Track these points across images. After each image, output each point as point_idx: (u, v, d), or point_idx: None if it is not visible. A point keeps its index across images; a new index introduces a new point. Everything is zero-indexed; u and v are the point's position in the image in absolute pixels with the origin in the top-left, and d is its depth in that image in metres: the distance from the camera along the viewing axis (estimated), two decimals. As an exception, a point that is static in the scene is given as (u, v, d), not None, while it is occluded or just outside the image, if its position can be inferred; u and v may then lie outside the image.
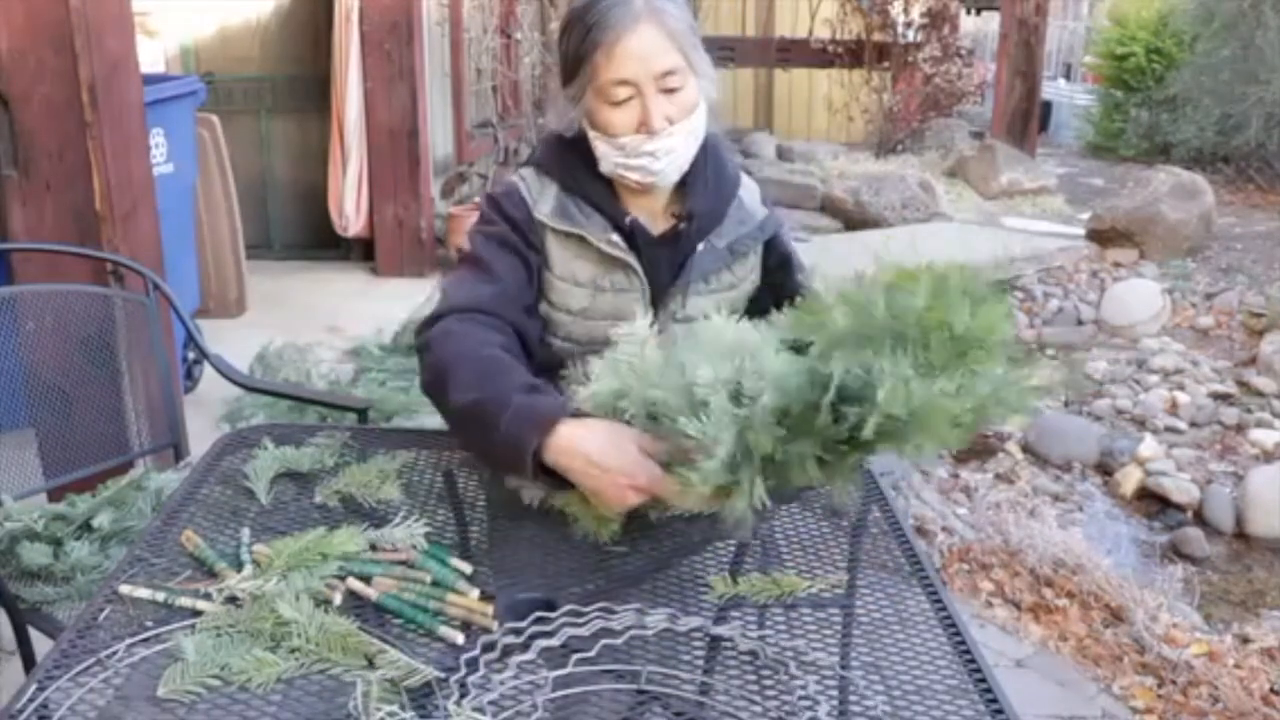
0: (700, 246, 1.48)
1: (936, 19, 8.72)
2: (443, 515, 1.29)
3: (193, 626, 1.02)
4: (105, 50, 2.38)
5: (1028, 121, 8.47)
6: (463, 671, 0.95)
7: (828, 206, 7.17)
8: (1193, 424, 4.14)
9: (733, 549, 1.24)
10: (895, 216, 6.73)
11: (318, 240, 5.52)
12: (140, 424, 2.05)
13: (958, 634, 1.09)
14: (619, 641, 1.01)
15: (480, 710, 0.90)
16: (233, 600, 1.06)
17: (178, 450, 2.07)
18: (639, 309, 1.48)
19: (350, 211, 5.25)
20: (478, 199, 5.49)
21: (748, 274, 1.54)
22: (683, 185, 1.46)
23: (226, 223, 4.42)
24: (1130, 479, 3.73)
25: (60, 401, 1.95)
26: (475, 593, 1.09)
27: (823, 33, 9.07)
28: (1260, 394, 4.35)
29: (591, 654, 0.98)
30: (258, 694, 0.94)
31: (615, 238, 1.45)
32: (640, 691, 0.97)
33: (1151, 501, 3.66)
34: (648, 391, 1.10)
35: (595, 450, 1.12)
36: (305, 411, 3.06)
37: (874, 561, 1.23)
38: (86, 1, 2.30)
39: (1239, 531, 3.49)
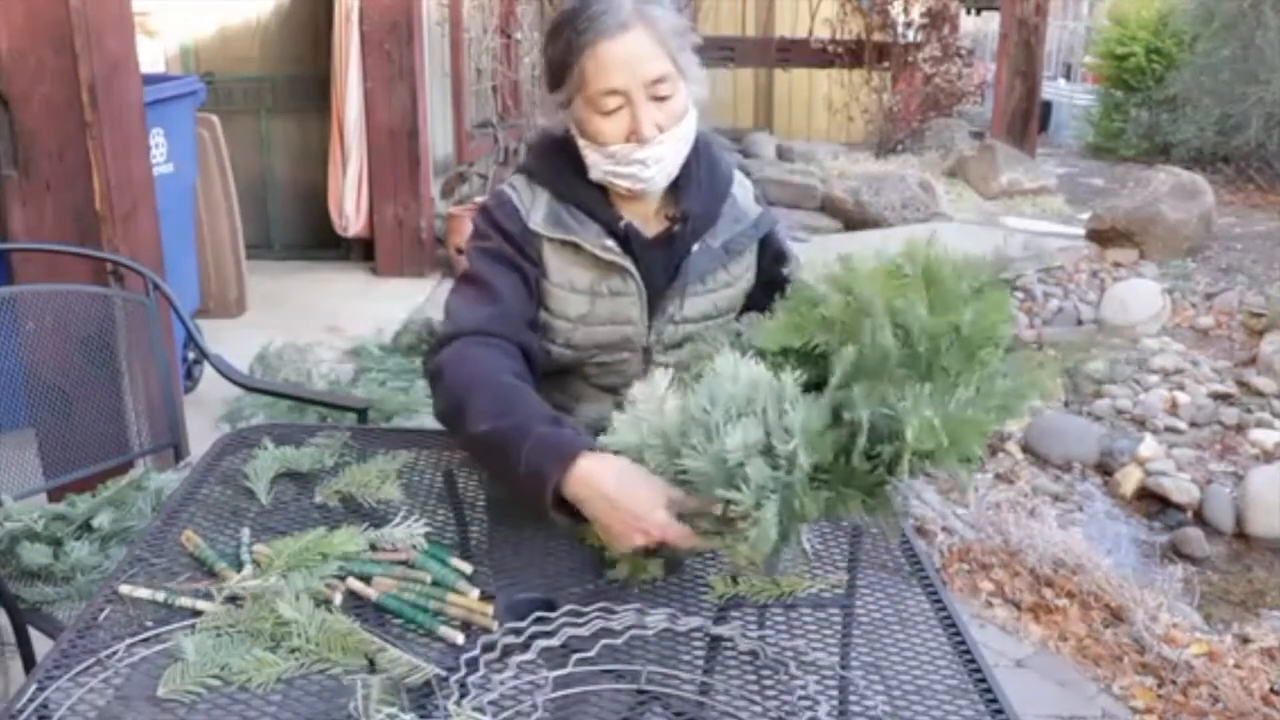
0: (696, 247, 1.48)
1: (936, 19, 8.72)
2: (443, 515, 1.29)
3: (193, 626, 1.02)
4: (105, 50, 2.38)
5: (1028, 121, 8.47)
6: (463, 671, 0.95)
7: (828, 206, 7.17)
8: (1193, 424, 4.14)
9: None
10: (895, 216, 6.73)
11: (318, 240, 5.52)
12: (140, 424, 2.05)
13: (958, 634, 1.09)
14: (619, 641, 1.01)
15: (480, 710, 0.90)
16: (233, 600, 1.06)
17: (178, 450, 2.07)
18: (636, 312, 1.48)
19: (350, 211, 5.25)
20: (478, 199, 5.50)
21: (744, 272, 1.54)
22: (675, 186, 1.45)
23: (226, 223, 4.42)
24: (1130, 479, 3.73)
25: (60, 401, 1.95)
26: (475, 593, 1.09)
27: (823, 33, 9.06)
28: (1260, 394, 4.34)
29: (591, 654, 0.98)
30: (258, 694, 0.94)
31: (610, 243, 1.44)
32: (640, 691, 0.97)
33: (1151, 501, 3.66)
34: (677, 460, 1.08)
35: (612, 487, 1.11)
36: (305, 411, 3.06)
37: (874, 561, 1.23)
38: (86, 1, 2.30)
39: (1239, 531, 3.49)
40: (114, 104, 2.43)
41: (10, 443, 1.85)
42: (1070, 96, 11.73)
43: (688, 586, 1.15)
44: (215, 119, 4.25)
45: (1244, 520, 3.50)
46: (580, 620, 1.02)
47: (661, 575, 1.16)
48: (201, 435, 2.07)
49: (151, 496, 1.80)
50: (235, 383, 2.13)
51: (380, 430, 1.78)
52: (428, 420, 1.63)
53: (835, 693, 0.99)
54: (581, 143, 1.41)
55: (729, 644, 1.05)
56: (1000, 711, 0.97)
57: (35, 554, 1.65)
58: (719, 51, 9.15)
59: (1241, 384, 4.46)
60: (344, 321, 4.57)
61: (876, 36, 8.90)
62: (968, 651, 1.06)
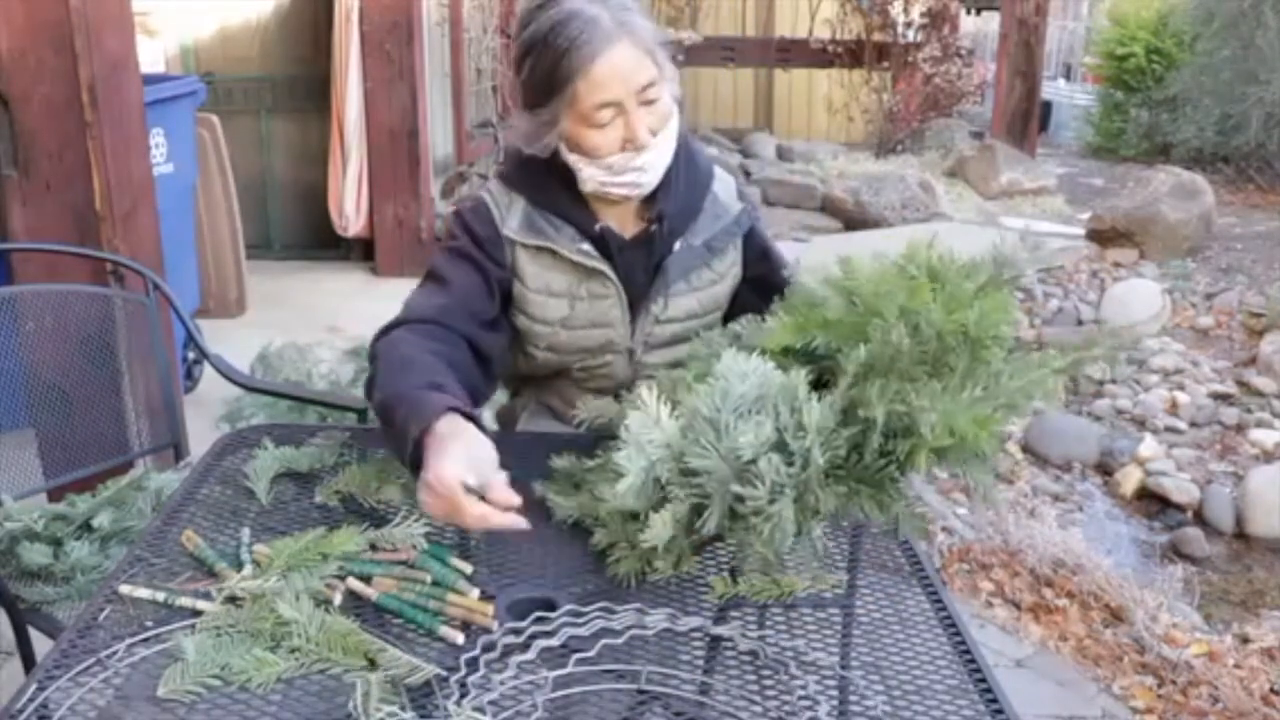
0: (677, 246, 1.48)
1: (936, 19, 8.72)
2: (443, 515, 1.29)
3: (193, 626, 1.02)
4: (105, 50, 2.38)
5: (1028, 121, 8.46)
6: (463, 671, 0.95)
7: (828, 206, 7.17)
8: (1193, 424, 4.14)
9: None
10: (895, 216, 6.73)
11: (318, 240, 5.52)
12: (140, 424, 2.05)
13: (958, 634, 1.09)
14: (619, 641, 1.01)
15: (480, 710, 0.90)
16: (233, 600, 1.06)
17: (178, 450, 2.07)
18: (618, 314, 1.48)
19: (350, 211, 5.25)
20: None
21: (729, 269, 1.53)
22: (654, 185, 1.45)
23: (226, 223, 4.42)
24: (1130, 479, 3.73)
25: (60, 401, 1.95)
26: (475, 593, 1.09)
27: (823, 33, 9.06)
28: (1260, 394, 4.34)
29: (591, 654, 0.98)
30: (258, 694, 0.94)
31: (586, 246, 1.44)
32: (640, 691, 0.97)
33: (1151, 501, 3.66)
34: (683, 460, 1.09)
35: (437, 451, 1.12)
36: (305, 411, 3.06)
37: (874, 561, 1.23)
38: (86, 1, 2.30)
39: (1239, 531, 3.48)
40: (114, 104, 2.43)
41: (10, 443, 1.85)
42: (1070, 96, 11.72)
43: (688, 586, 1.15)
44: (215, 119, 4.25)
45: (1244, 520, 3.50)
46: (580, 620, 1.02)
47: (669, 573, 1.16)
48: (201, 435, 2.07)
49: (151, 496, 1.80)
50: (235, 383, 2.13)
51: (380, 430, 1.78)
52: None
53: (835, 693, 0.98)
54: (573, 158, 1.40)
55: (729, 644, 1.05)
56: (1000, 711, 0.97)
57: (35, 554, 1.65)
58: (719, 51, 9.16)
59: (1241, 384, 4.46)
60: (344, 321, 4.56)
61: (876, 36, 8.89)
62: (968, 651, 1.06)
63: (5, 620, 1.62)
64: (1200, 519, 3.54)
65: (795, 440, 1.03)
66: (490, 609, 1.06)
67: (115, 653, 0.99)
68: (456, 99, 5.97)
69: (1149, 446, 3.85)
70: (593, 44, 1.31)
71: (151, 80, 3.07)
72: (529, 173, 1.46)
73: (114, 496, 1.79)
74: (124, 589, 1.09)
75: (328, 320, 4.58)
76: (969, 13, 11.94)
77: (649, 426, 1.12)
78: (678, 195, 1.47)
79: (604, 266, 1.44)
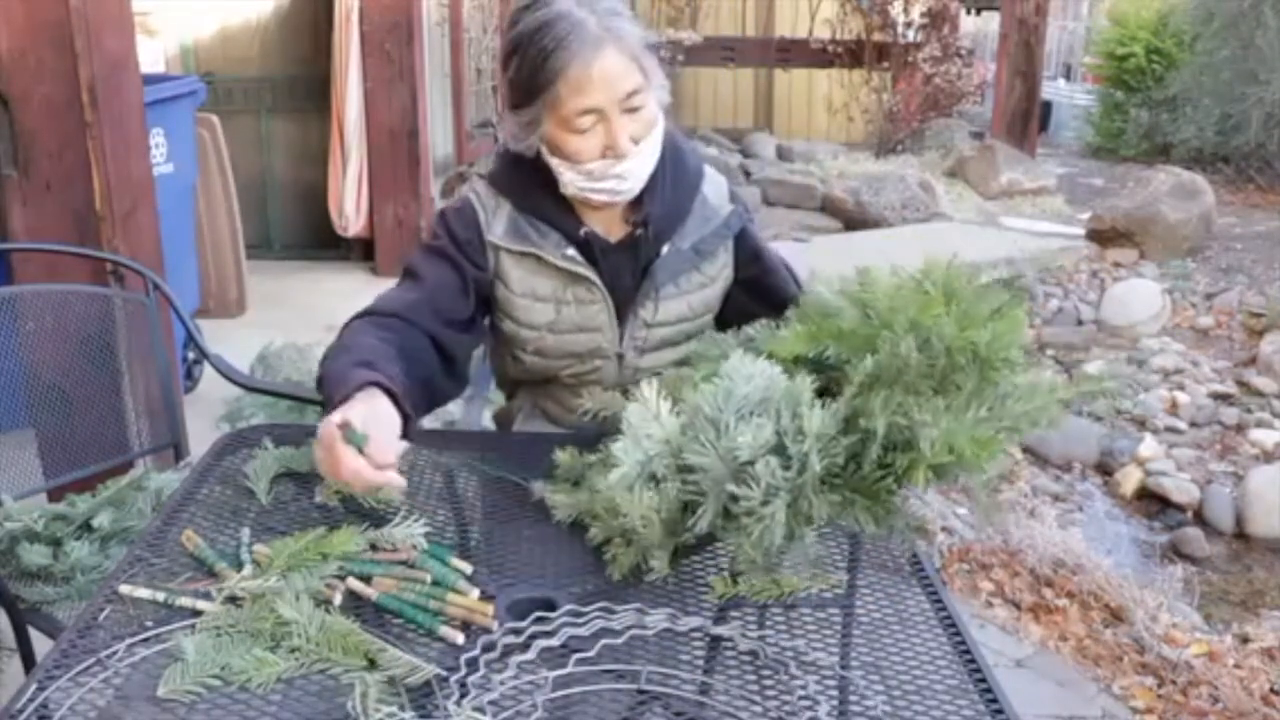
0: (665, 249, 1.47)
1: (936, 19, 8.71)
2: (443, 515, 1.29)
3: (193, 626, 1.02)
4: (105, 50, 2.38)
5: (1028, 121, 8.46)
6: (463, 671, 0.95)
7: (828, 206, 7.17)
8: (1193, 424, 4.14)
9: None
10: (895, 216, 6.73)
11: (318, 240, 5.52)
12: (140, 424, 2.05)
13: (958, 634, 1.09)
14: (619, 641, 1.01)
15: (480, 710, 0.90)
16: (233, 600, 1.06)
17: (178, 450, 2.07)
18: (605, 319, 1.47)
19: (350, 211, 5.25)
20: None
21: (719, 271, 1.52)
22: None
23: (226, 223, 4.42)
24: (1130, 479, 3.73)
25: (60, 401, 1.95)
26: (475, 593, 1.09)
27: (823, 33, 9.06)
28: (1260, 394, 4.35)
29: (591, 654, 0.98)
30: (258, 694, 0.94)
31: (571, 252, 1.43)
32: (640, 691, 0.97)
33: (1151, 501, 3.66)
34: (681, 457, 1.09)
35: (339, 411, 1.14)
36: (305, 411, 3.05)
37: (874, 561, 1.23)
38: (86, 1, 2.29)
39: (1239, 531, 3.49)
40: (114, 104, 2.43)
41: (10, 443, 1.85)
42: (1070, 96, 11.72)
43: (687, 586, 1.15)
44: (215, 119, 4.25)
45: (1244, 520, 3.50)
46: (580, 620, 1.02)
47: (665, 571, 1.16)
48: (201, 435, 2.07)
49: (151, 496, 1.80)
50: (235, 383, 2.12)
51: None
52: (427, 420, 1.64)
53: (835, 693, 0.98)
54: (554, 161, 1.39)
55: (729, 644, 1.05)
56: (1000, 711, 0.97)
57: (35, 554, 1.65)
58: (719, 51, 9.16)
59: (1241, 384, 4.46)
60: (344, 321, 4.56)
61: (876, 36, 8.89)
62: (968, 651, 1.06)
63: (5, 620, 1.62)
64: (1200, 519, 3.54)
65: (794, 445, 1.03)
66: (490, 609, 1.06)
67: (115, 653, 0.99)
68: (456, 99, 5.97)
69: (1149, 446, 3.85)
70: (576, 48, 1.30)
71: (151, 80, 3.07)
72: (516, 176, 1.45)
73: (114, 496, 1.79)
74: (124, 589, 1.09)
75: (328, 320, 4.56)
76: (969, 13, 11.95)
77: (649, 420, 1.12)
78: (664, 198, 1.45)
79: (589, 272, 1.44)
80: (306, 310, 4.70)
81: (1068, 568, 2.95)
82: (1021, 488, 3.62)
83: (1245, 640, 2.76)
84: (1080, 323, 5.38)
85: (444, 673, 0.95)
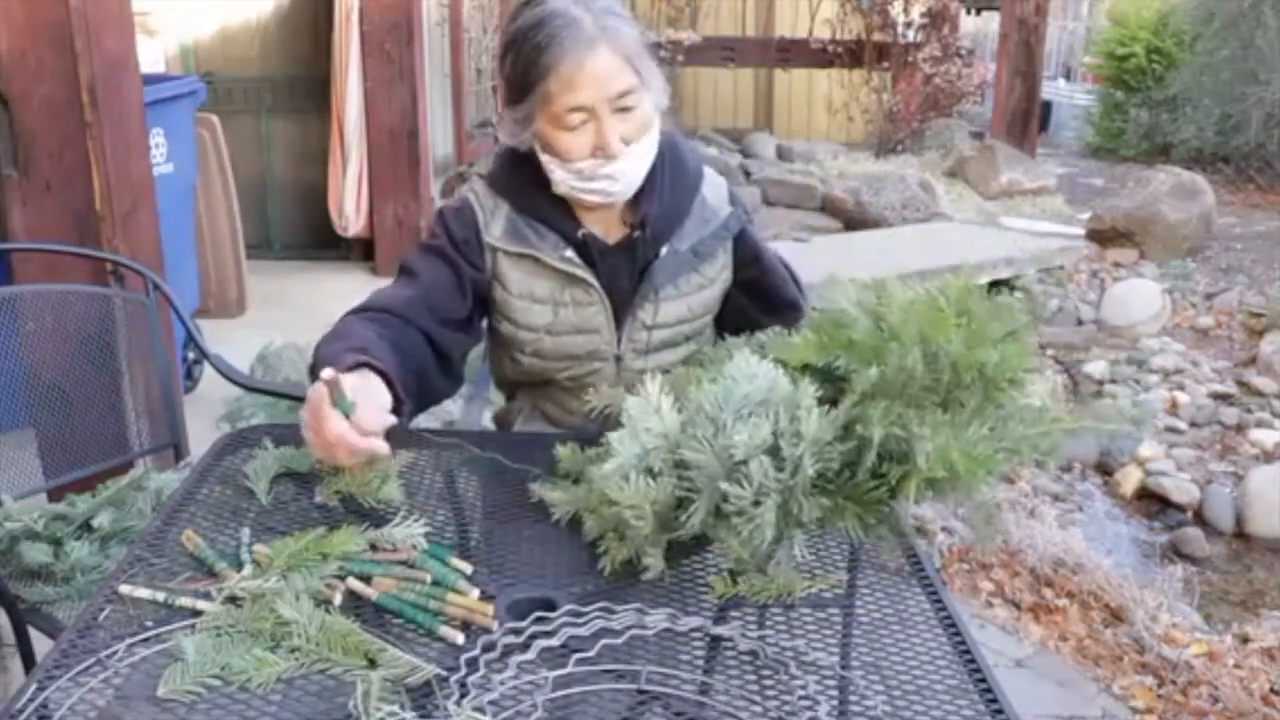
0: (663, 251, 1.46)
1: (936, 19, 8.71)
2: (443, 515, 1.29)
3: (193, 626, 1.02)
4: (105, 50, 2.38)
5: (1028, 121, 8.46)
6: (463, 671, 0.95)
7: (828, 206, 7.17)
8: (1193, 424, 4.14)
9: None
10: (895, 216, 6.73)
11: (318, 240, 5.52)
12: (140, 424, 2.05)
13: (958, 634, 1.09)
14: (619, 641, 1.01)
15: (480, 710, 0.90)
16: (233, 600, 1.06)
17: (178, 450, 2.07)
18: (603, 320, 1.47)
19: (350, 211, 5.25)
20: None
21: (718, 273, 1.52)
22: (638, 191, 1.43)
23: (226, 223, 4.42)
24: (1130, 479, 3.73)
25: (60, 401, 1.95)
26: (475, 593, 1.09)
27: (823, 33, 9.05)
28: (1260, 394, 4.34)
29: (591, 654, 0.98)
30: (258, 694, 0.94)
31: (569, 253, 1.43)
32: (640, 691, 0.97)
33: (1151, 501, 3.66)
34: (678, 451, 1.09)
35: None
36: (305, 411, 3.05)
37: (874, 561, 1.23)
38: (86, 1, 2.30)
39: (1239, 531, 3.49)
40: (114, 104, 2.43)
41: (10, 443, 1.85)
42: (1070, 96, 11.72)
43: (687, 586, 1.15)
44: (215, 119, 4.25)
45: (1244, 520, 3.50)
46: (580, 620, 1.02)
47: (661, 570, 1.16)
48: (201, 435, 2.07)
49: (151, 496, 1.81)
50: (235, 383, 2.12)
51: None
52: (428, 420, 1.64)
53: (835, 693, 0.98)
54: (545, 158, 1.39)
55: (729, 644, 1.04)
56: (1000, 711, 0.97)
57: (35, 554, 1.65)
58: (719, 51, 9.15)
59: (1241, 384, 4.46)
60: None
61: (876, 36, 8.89)
62: (968, 651, 1.06)
63: (5, 620, 1.62)
64: (1200, 519, 3.54)
65: (789, 447, 1.04)
66: (490, 609, 1.06)
67: (115, 653, 0.98)
68: (456, 99, 5.97)
69: (1149, 446, 3.85)
70: (569, 45, 1.30)
71: (151, 80, 3.07)
72: (515, 176, 1.45)
73: (114, 496, 1.79)
74: (124, 589, 1.09)
75: (328, 320, 4.48)
76: (969, 13, 11.95)
77: (649, 414, 1.12)
78: (663, 200, 1.45)
79: (586, 274, 1.44)
80: (306, 310, 4.69)
81: (1068, 568, 2.95)
82: (1022, 487, 3.62)
83: (1245, 640, 2.76)
84: (1080, 323, 5.38)
85: (444, 673, 0.95)
